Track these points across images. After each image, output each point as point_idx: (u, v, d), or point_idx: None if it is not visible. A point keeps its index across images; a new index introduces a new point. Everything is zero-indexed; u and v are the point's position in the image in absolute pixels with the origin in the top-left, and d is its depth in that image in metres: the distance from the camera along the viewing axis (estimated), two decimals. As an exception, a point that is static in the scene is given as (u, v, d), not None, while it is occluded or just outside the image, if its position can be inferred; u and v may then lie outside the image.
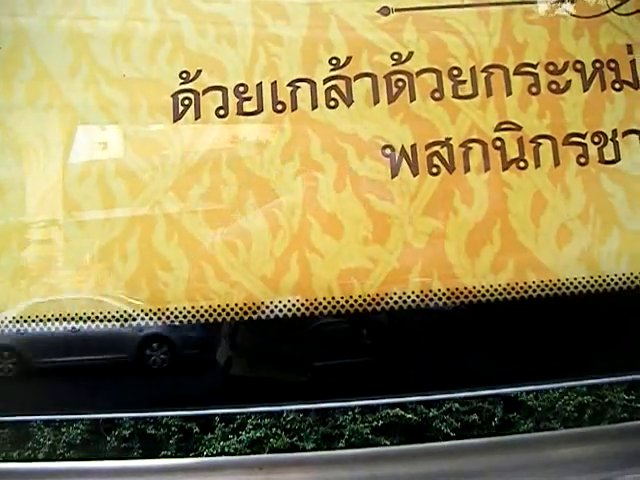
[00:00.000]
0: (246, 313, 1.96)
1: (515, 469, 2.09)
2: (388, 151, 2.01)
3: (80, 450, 4.80)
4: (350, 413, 4.71)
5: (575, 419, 4.83)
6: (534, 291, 1.97)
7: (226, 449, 4.72)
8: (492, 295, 1.96)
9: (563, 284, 1.97)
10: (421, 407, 4.76)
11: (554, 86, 2.07)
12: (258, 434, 4.76)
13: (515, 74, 2.07)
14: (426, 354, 2.01)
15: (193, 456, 4.77)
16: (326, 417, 4.81)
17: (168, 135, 2.06)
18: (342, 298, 1.95)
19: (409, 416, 4.85)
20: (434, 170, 2.00)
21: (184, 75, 2.08)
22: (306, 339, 2.01)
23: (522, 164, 2.02)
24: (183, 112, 2.06)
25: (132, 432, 4.95)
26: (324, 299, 1.95)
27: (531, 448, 2.17)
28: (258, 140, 2.04)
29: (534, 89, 2.06)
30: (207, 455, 4.70)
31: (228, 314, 1.96)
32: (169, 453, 4.80)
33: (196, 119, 2.06)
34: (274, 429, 4.80)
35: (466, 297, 1.95)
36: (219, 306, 1.97)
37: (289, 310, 1.95)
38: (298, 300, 1.95)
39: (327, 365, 2.01)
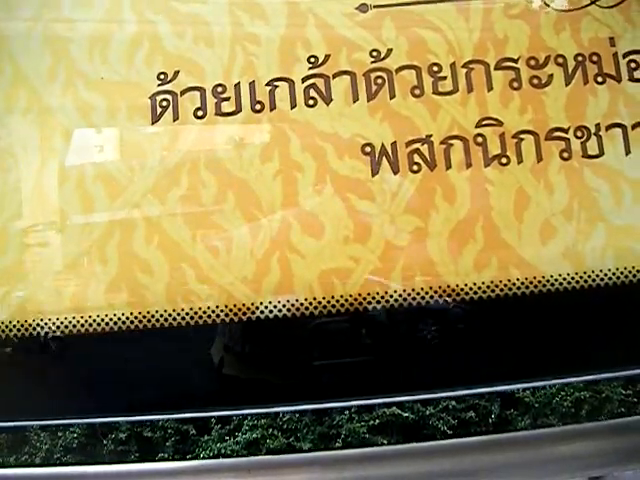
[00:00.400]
0: (227, 315, 1.93)
1: (513, 467, 2.05)
2: (368, 149, 1.97)
3: (77, 454, 4.78)
4: (346, 412, 4.69)
5: (572, 415, 4.82)
6: (518, 288, 1.93)
7: (222, 451, 4.70)
8: (475, 293, 1.92)
9: (548, 281, 1.93)
10: (418, 405, 4.74)
11: (536, 81, 2.03)
12: (254, 435, 4.75)
13: (496, 69, 2.02)
14: (409, 353, 1.98)
15: (189, 458, 4.76)
16: (322, 417, 4.79)
17: (147, 137, 2.02)
18: (324, 298, 1.91)
19: (406, 415, 4.83)
20: (415, 168, 1.96)
21: (162, 76, 2.05)
22: (288, 340, 1.97)
23: (504, 160, 1.98)
24: (161, 114, 2.03)
25: (128, 435, 4.94)
26: (305, 300, 1.91)
27: (529, 445, 2.13)
28: (237, 141, 2.00)
29: (515, 84, 2.02)
30: (204, 457, 4.68)
31: (209, 317, 1.93)
32: (166, 455, 4.79)
33: (174, 120, 2.02)
34: (270, 430, 4.79)
35: (449, 295, 1.92)
36: (200, 309, 1.93)
37: (270, 312, 1.92)
38: (280, 302, 1.92)
39: (317, 365, 1.98)
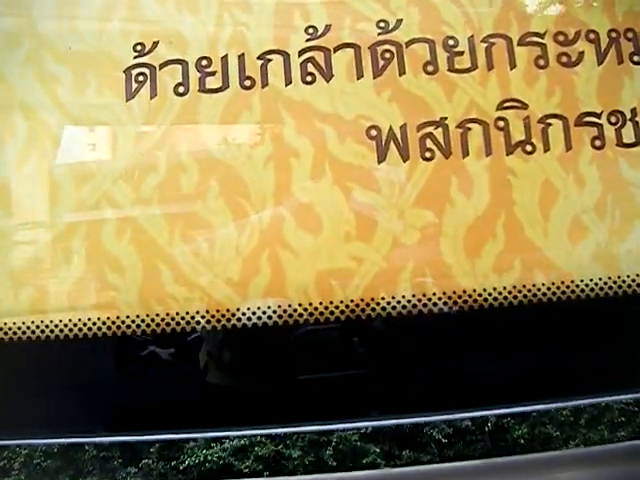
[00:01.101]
0: (209, 322, 1.62)
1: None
2: (374, 133, 1.67)
3: (57, 459, 4.45)
4: (338, 419, 4.41)
5: (571, 423, 4.54)
6: (544, 294, 1.63)
7: (209, 457, 4.40)
8: (495, 299, 1.62)
9: (577, 286, 1.64)
10: (412, 412, 4.45)
11: (564, 59, 1.74)
12: (242, 442, 4.44)
13: (520, 45, 1.73)
14: (419, 368, 1.67)
15: (175, 465, 4.47)
16: (313, 424, 4.50)
17: (119, 116, 1.71)
18: (321, 304, 1.61)
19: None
20: (427, 155, 1.66)
21: (139, 48, 1.74)
22: (279, 351, 1.67)
23: (529, 148, 1.68)
24: (137, 90, 1.72)
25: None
26: (300, 305, 1.61)
27: (539, 470, 1.84)
28: (222, 120, 1.69)
29: (541, 62, 1.73)
30: (189, 464, 4.38)
31: (188, 323, 1.62)
32: (150, 462, 4.48)
33: (152, 97, 1.71)
34: (259, 437, 4.49)
35: (465, 302, 1.62)
36: (178, 314, 1.62)
37: (259, 318, 1.61)
38: (269, 307, 1.61)
39: (306, 380, 1.67)
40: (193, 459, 4.44)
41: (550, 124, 1.70)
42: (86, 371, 1.67)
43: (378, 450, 4.51)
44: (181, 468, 4.55)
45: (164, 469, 4.58)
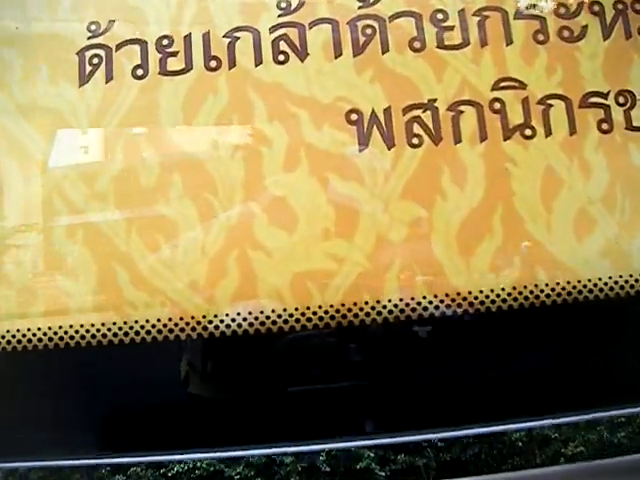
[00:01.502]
0: (171, 331, 1.41)
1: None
2: (354, 117, 1.46)
3: (42, 468, 4.25)
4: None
5: (569, 424, 4.34)
6: (547, 296, 1.42)
7: (197, 464, 4.19)
8: (493, 302, 1.41)
9: (584, 286, 1.43)
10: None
11: (566, 33, 1.53)
12: (233, 448, 4.24)
13: (516, 18, 1.53)
14: (407, 380, 1.46)
15: (164, 471, 4.26)
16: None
17: (71, 102, 1.50)
18: (296, 310, 1.40)
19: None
20: (415, 141, 1.45)
21: (93, 27, 1.54)
22: (250, 363, 1.46)
23: (528, 132, 1.48)
24: (91, 73, 1.51)
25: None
26: (273, 311, 1.40)
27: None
28: (185, 106, 1.48)
29: (541, 37, 1.52)
30: (178, 471, 4.18)
31: (149, 332, 1.41)
32: (139, 470, 4.27)
33: (107, 81, 1.50)
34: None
35: (459, 305, 1.41)
36: (136, 322, 1.41)
37: (227, 326, 1.40)
38: (239, 314, 1.41)
39: (280, 395, 1.46)
40: (182, 466, 4.23)
41: (551, 105, 1.49)
42: (33, 386, 1.46)
43: (372, 455, 4.32)
44: (170, 475, 4.34)
45: (153, 476, 4.37)
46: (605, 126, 1.50)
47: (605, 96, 1.51)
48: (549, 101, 1.49)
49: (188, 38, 1.51)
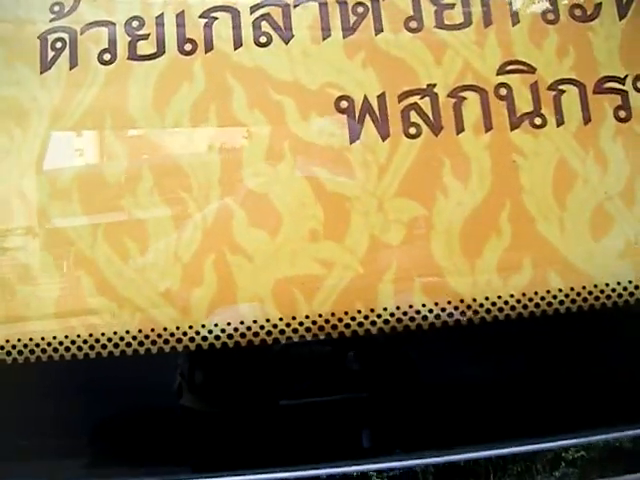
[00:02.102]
0: (141, 343, 1.23)
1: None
2: (345, 105, 1.28)
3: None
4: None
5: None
6: (560, 303, 1.25)
7: None
8: (500, 310, 1.24)
9: (602, 291, 1.26)
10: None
11: (578, 11, 1.36)
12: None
13: (523, -5, 1.35)
14: (404, 398, 1.28)
15: None
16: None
17: (32, 91, 1.32)
18: (281, 320, 1.22)
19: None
20: (412, 131, 1.28)
21: (56, 8, 1.36)
22: (229, 380, 1.28)
23: (538, 121, 1.30)
24: (54, 59, 1.33)
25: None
26: (254, 322, 1.22)
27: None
28: (157, 94, 1.30)
29: (551, 16, 1.35)
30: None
31: (117, 345, 1.23)
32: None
33: (72, 68, 1.33)
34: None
35: (463, 314, 1.23)
36: (103, 335, 1.23)
37: (204, 339, 1.22)
38: (217, 325, 1.22)
39: (263, 415, 1.27)
40: None
41: (563, 91, 1.32)
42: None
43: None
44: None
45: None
46: (622, 114, 1.32)
47: (622, 81, 1.33)
48: (561, 86, 1.32)
49: (160, 19, 1.33)
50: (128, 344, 1.24)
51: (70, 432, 1.24)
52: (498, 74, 1.31)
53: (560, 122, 1.30)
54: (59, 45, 1.34)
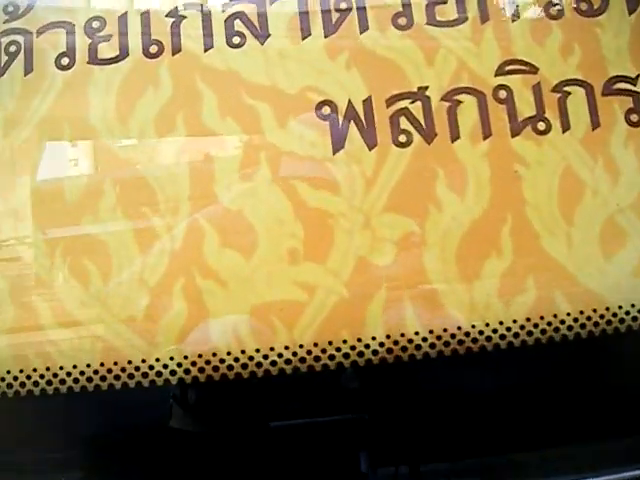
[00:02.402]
0: (104, 378, 1.09)
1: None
2: (327, 111, 1.14)
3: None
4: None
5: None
6: (569, 328, 1.10)
7: None
8: (502, 337, 1.09)
9: (614, 315, 1.11)
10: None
11: (584, 5, 1.22)
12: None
13: (524, -13, 1.22)
14: (398, 436, 1.14)
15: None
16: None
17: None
18: (257, 352, 1.08)
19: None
20: (402, 139, 1.14)
21: (10, 9, 1.23)
22: (201, 418, 1.14)
23: (542, 126, 1.16)
24: (7, 64, 1.20)
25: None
26: (228, 354, 1.08)
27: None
28: (120, 100, 1.17)
29: (554, 10, 1.21)
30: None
31: (76, 380, 1.09)
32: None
33: (27, 74, 1.19)
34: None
35: (461, 342, 1.09)
36: (62, 369, 1.09)
37: (172, 373, 1.08)
38: (186, 357, 1.08)
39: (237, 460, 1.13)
40: None
41: (569, 93, 1.18)
42: None
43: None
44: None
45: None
46: (635, 117, 1.18)
47: (633, 81, 1.19)
48: (566, 88, 1.18)
49: (123, 19, 1.19)
50: (89, 379, 1.10)
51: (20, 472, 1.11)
52: (497, 75, 1.17)
53: (566, 127, 1.16)
54: (13, 49, 1.20)
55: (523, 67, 1.18)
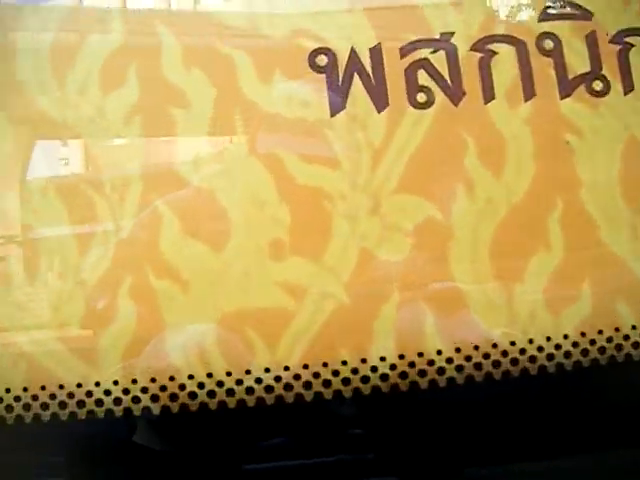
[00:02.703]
0: (27, 407, 0.82)
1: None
2: (323, 60, 0.88)
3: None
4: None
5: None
6: (635, 346, 0.84)
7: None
8: (550, 358, 0.83)
9: (693, 329, 0.85)
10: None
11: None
12: None
13: None
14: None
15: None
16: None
17: None
18: (229, 375, 0.81)
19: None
20: (421, 98, 0.88)
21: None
22: (153, 455, 0.87)
23: (598, 85, 0.91)
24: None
25: None
26: (191, 378, 0.81)
27: None
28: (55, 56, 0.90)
29: (611, -56, 0.96)
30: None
31: (10, 408, 0.82)
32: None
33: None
34: None
35: (496, 364, 0.82)
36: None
37: (117, 402, 0.81)
38: (135, 381, 0.81)
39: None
40: None
41: (631, 45, 0.93)
42: None
43: None
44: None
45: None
46: None
47: None
48: (627, 39, 0.93)
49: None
50: (8, 408, 0.83)
51: None
52: (541, 20, 0.92)
53: (629, 88, 0.91)
54: None
55: (573, 11, 0.92)
